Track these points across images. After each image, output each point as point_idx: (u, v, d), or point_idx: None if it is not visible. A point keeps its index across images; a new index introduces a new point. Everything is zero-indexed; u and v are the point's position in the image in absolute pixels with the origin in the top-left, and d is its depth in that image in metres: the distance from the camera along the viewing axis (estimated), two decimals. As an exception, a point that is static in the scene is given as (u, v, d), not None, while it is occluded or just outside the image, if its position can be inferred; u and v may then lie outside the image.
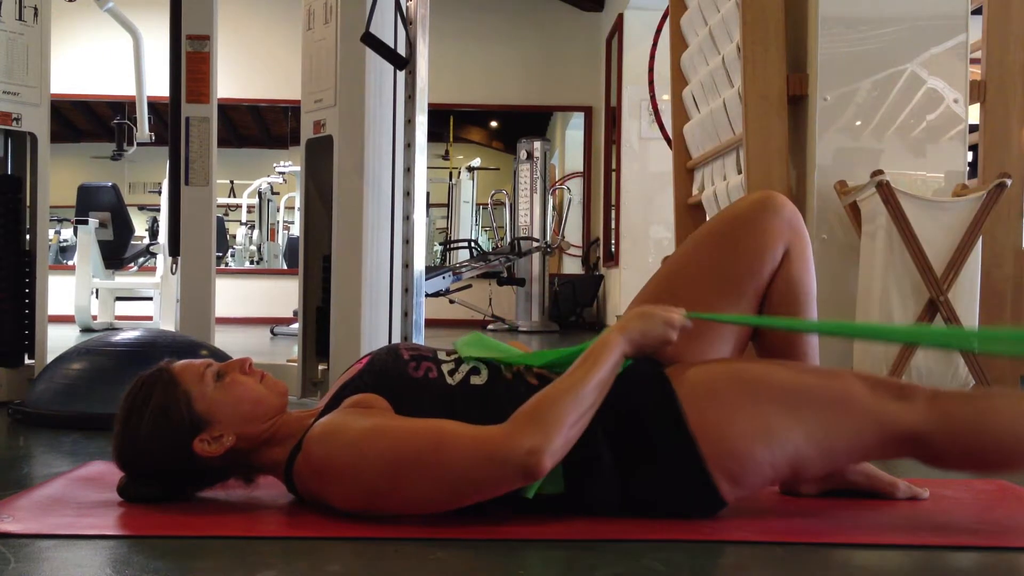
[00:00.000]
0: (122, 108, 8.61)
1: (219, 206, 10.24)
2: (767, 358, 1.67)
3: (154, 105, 6.27)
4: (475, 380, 1.54)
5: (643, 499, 1.49)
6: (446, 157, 12.84)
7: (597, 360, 1.45)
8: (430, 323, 3.30)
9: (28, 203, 3.07)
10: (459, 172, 11.55)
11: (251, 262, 11.67)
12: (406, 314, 2.94)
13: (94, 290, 7.17)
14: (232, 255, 11.72)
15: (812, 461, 1.48)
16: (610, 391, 1.47)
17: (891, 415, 1.46)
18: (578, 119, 10.09)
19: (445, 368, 1.56)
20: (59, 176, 5.27)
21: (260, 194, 11.93)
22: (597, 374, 1.43)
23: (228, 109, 11.75)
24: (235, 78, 8.82)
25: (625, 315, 1.54)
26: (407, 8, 2.95)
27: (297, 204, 8.78)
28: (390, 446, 1.41)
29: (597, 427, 1.46)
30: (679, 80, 4.34)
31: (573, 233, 10.32)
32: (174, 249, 3.40)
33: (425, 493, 1.41)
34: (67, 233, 12.20)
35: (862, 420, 1.47)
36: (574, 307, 9.10)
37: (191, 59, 3.34)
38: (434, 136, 11.38)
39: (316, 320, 3.08)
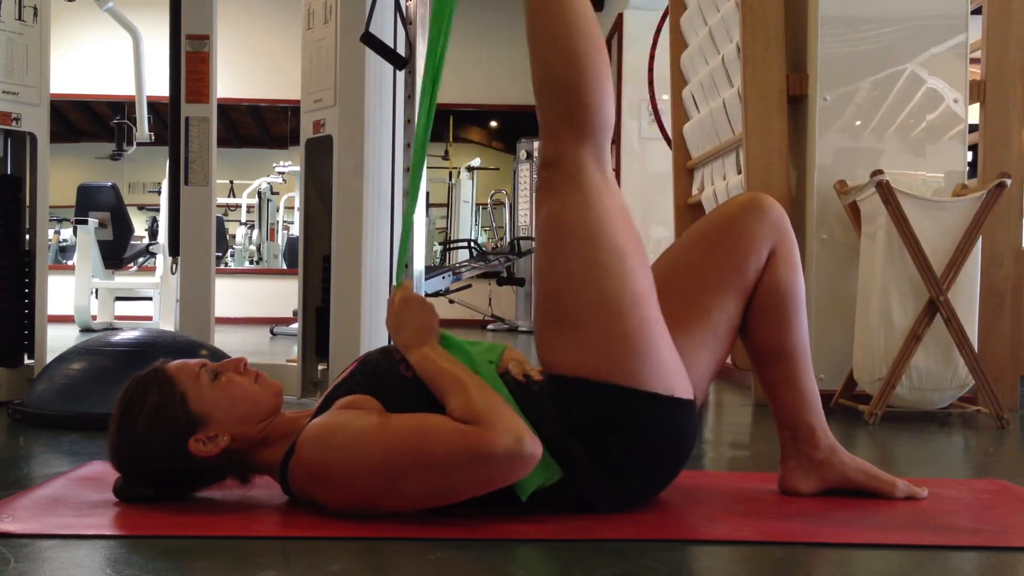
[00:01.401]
0: (122, 108, 8.61)
1: (219, 206, 10.25)
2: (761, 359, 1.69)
3: (154, 105, 6.27)
4: None
5: (628, 461, 1.50)
6: (446, 157, 12.84)
7: (437, 371, 1.50)
8: (430, 323, 3.30)
9: (28, 203, 3.07)
10: (459, 172, 11.55)
11: (251, 262, 11.67)
12: (406, 314, 2.94)
13: (94, 290, 7.17)
14: (232, 255, 11.72)
15: (638, 287, 1.51)
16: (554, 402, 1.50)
17: (574, 178, 1.53)
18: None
19: None
20: (59, 176, 5.27)
21: (260, 194, 11.93)
22: (454, 373, 1.49)
23: (228, 109, 11.75)
24: (235, 78, 8.81)
25: (393, 338, 1.60)
26: (407, 8, 2.95)
27: (297, 204, 8.79)
28: (382, 448, 1.42)
29: (558, 429, 1.48)
30: (679, 80, 4.34)
31: (573, 233, 10.30)
32: (174, 249, 3.40)
33: (421, 490, 1.42)
34: (67, 233, 12.20)
35: (592, 204, 1.52)
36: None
37: (191, 59, 3.34)
38: (434, 136, 11.33)
39: (316, 320, 3.08)
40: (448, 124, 12.70)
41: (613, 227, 1.51)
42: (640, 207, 7.99)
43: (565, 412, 1.49)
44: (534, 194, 1.74)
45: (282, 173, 11.23)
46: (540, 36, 1.54)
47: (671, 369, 1.51)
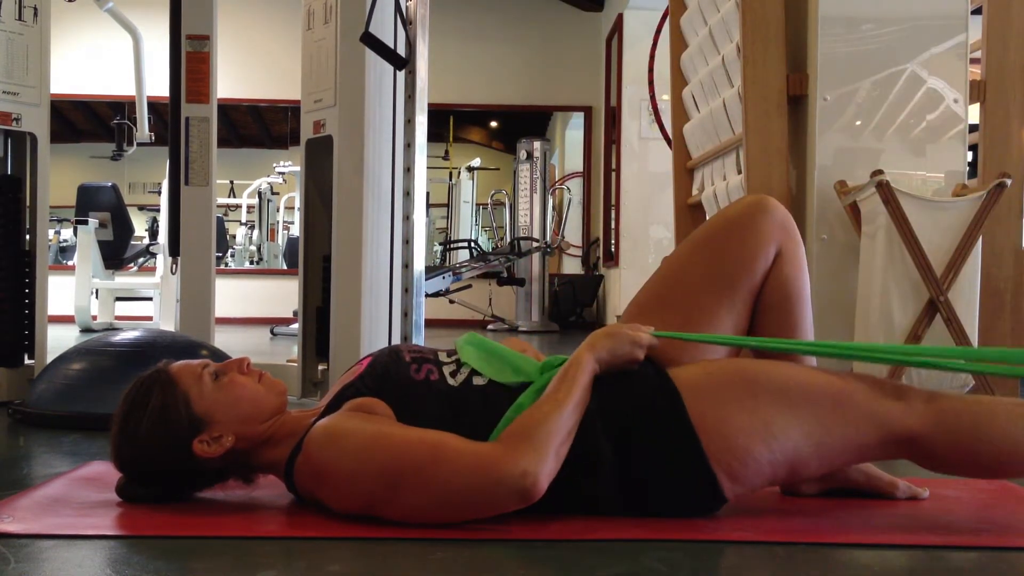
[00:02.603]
0: (122, 108, 8.60)
1: (219, 206, 10.25)
2: (764, 359, 1.68)
3: (154, 105, 6.27)
4: (477, 381, 1.55)
5: (644, 496, 1.50)
6: (446, 157, 12.84)
7: (573, 381, 1.48)
8: (430, 323, 3.30)
9: (28, 203, 3.07)
10: (459, 172, 11.55)
11: (251, 262, 11.67)
12: (406, 314, 2.94)
13: (94, 290, 7.17)
14: (232, 255, 11.72)
15: (810, 460, 1.49)
16: (613, 390, 1.50)
17: (889, 416, 1.47)
18: (578, 119, 10.09)
19: (446, 370, 1.57)
20: (59, 176, 5.26)
21: (260, 194, 11.93)
22: (575, 394, 1.46)
23: (228, 109, 11.76)
24: (235, 78, 8.82)
25: (594, 333, 1.57)
26: (407, 8, 2.95)
27: (297, 204, 8.79)
28: (390, 457, 1.41)
29: (598, 424, 1.47)
30: (679, 80, 4.34)
31: (573, 233, 10.32)
32: (174, 249, 3.40)
33: (421, 506, 1.41)
34: (67, 233, 12.21)
35: (860, 420, 1.48)
36: (574, 307, 9.10)
37: (191, 59, 3.34)
38: (434, 136, 11.37)
39: (316, 320, 3.08)
40: (448, 124, 12.71)
41: (852, 433, 1.49)
42: (640, 207, 8.00)
43: (626, 415, 1.49)
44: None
45: (282, 173, 11.24)
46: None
47: (746, 469, 1.49)
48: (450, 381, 1.54)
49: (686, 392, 1.50)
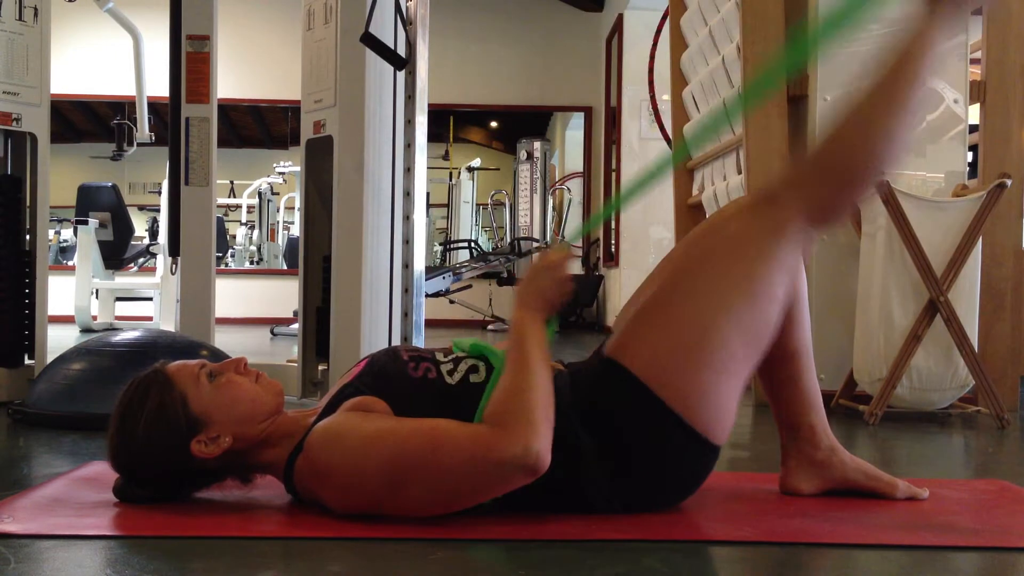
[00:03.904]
0: (122, 108, 8.60)
1: (219, 206, 10.25)
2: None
3: (154, 105, 6.27)
4: (474, 379, 1.55)
5: (629, 466, 1.50)
6: (446, 157, 12.84)
7: (525, 342, 1.48)
8: (430, 323, 3.30)
9: (28, 203, 3.07)
10: (459, 172, 11.55)
11: (251, 262, 11.67)
12: (406, 314, 2.94)
13: (94, 290, 7.17)
14: (232, 255, 11.72)
15: (746, 345, 1.51)
16: (576, 387, 1.53)
17: (776, 233, 1.53)
18: (578, 119, 10.09)
19: (444, 368, 1.57)
20: (59, 176, 5.27)
21: (260, 194, 11.93)
22: (533, 354, 1.47)
23: (228, 109, 11.76)
24: (235, 78, 8.81)
25: (516, 290, 1.57)
26: (407, 8, 2.95)
27: (297, 204, 8.79)
28: (391, 453, 1.41)
29: (572, 417, 1.48)
30: (679, 80, 4.34)
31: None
32: (174, 249, 3.40)
33: (425, 497, 1.42)
34: (67, 233, 12.21)
35: (764, 267, 1.52)
36: (574, 307, 9.10)
37: (191, 59, 3.34)
38: (434, 136, 11.38)
39: (316, 320, 3.08)
40: (448, 124, 12.71)
41: (767, 288, 1.53)
42: (640, 207, 7.99)
43: (595, 404, 1.51)
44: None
45: (282, 173, 11.24)
46: (866, 123, 1.53)
47: (722, 417, 1.52)
48: (447, 379, 1.55)
49: (620, 357, 1.52)
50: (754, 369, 1.58)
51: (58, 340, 3.75)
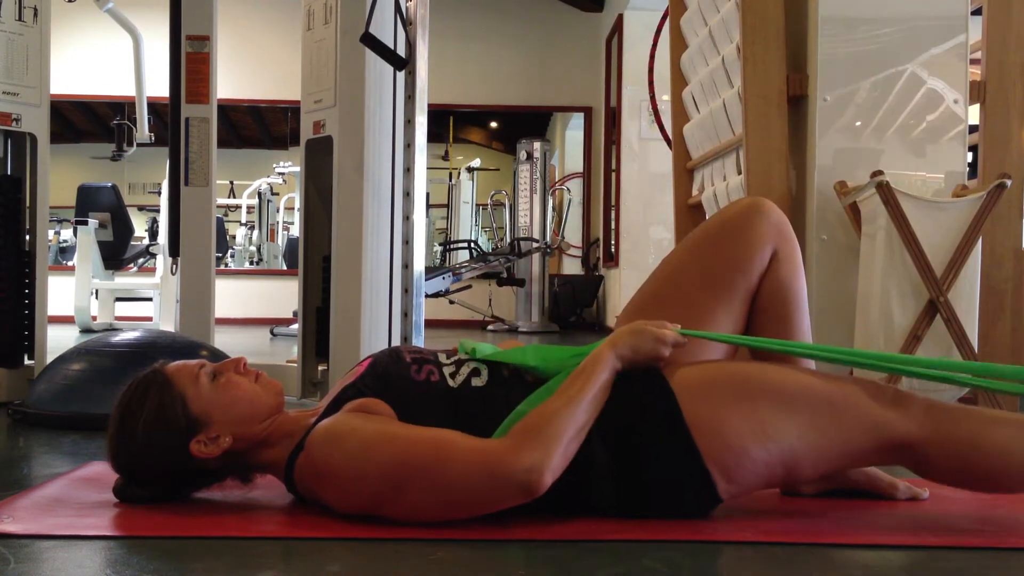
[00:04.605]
0: (122, 108, 8.60)
1: (219, 206, 10.26)
2: (762, 360, 1.68)
3: (154, 105, 6.27)
4: (476, 382, 1.55)
5: (639, 497, 1.50)
6: (446, 157, 12.85)
7: (591, 377, 1.47)
8: (430, 324, 3.30)
9: (28, 203, 3.07)
10: (459, 172, 11.55)
11: (251, 262, 11.67)
12: (406, 314, 2.94)
13: (94, 291, 7.17)
14: (232, 255, 11.72)
15: (805, 462, 1.48)
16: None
17: (887, 422, 1.47)
18: (578, 119, 10.09)
19: (446, 371, 1.57)
20: (59, 176, 5.27)
21: (260, 194, 11.93)
22: (591, 390, 1.46)
23: (228, 109, 11.76)
24: (235, 78, 8.82)
25: (618, 330, 1.56)
26: (407, 8, 2.95)
27: (297, 204, 8.79)
28: (393, 457, 1.41)
29: (592, 427, 1.47)
30: (679, 80, 4.34)
31: (573, 233, 10.32)
32: (174, 249, 3.40)
33: (425, 504, 1.42)
34: (67, 233, 12.20)
35: (857, 425, 1.48)
36: (574, 307, 9.10)
37: (191, 59, 3.34)
38: (434, 136, 11.39)
39: (316, 320, 3.08)
40: (448, 124, 12.71)
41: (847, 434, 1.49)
42: (640, 207, 8.00)
43: (623, 422, 1.49)
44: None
45: (282, 174, 11.24)
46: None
47: (743, 481, 1.49)
48: (450, 382, 1.55)
49: (680, 391, 1.50)
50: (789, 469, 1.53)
51: (58, 340, 3.75)
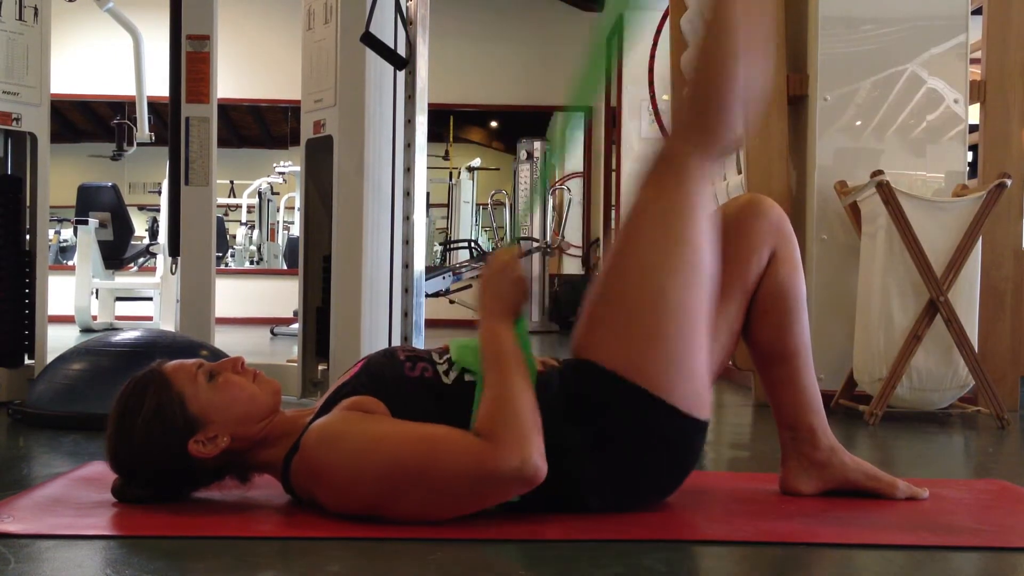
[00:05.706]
0: (122, 108, 8.61)
1: (219, 206, 10.24)
2: (754, 347, 1.70)
3: (154, 105, 6.27)
4: (468, 378, 1.55)
5: (617, 452, 1.50)
6: (446, 157, 12.84)
7: (495, 351, 1.49)
8: (430, 323, 3.30)
9: (28, 203, 3.07)
10: (459, 172, 11.55)
11: (251, 262, 11.67)
12: (406, 314, 2.94)
13: (94, 290, 7.17)
14: (232, 255, 11.72)
15: (696, 292, 1.52)
16: (555, 388, 1.52)
17: (677, 177, 1.52)
18: (578, 119, 10.08)
19: (440, 368, 1.57)
20: (59, 176, 5.27)
21: (260, 194, 11.93)
22: (507, 360, 1.48)
23: (228, 109, 11.77)
24: (235, 78, 8.82)
25: (478, 300, 1.58)
26: (407, 8, 2.95)
27: (297, 204, 8.78)
28: (389, 460, 1.42)
29: (556, 410, 1.48)
30: (679, 80, 4.34)
31: (573, 233, 10.31)
32: (174, 249, 3.40)
33: (422, 504, 1.42)
34: (67, 233, 12.21)
35: (686, 204, 1.52)
36: (574, 307, 9.07)
37: (191, 59, 3.34)
38: (434, 136, 11.37)
39: (316, 320, 3.08)
40: (448, 124, 12.71)
41: (697, 240, 1.52)
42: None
43: (574, 397, 1.51)
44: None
45: (282, 173, 11.24)
46: (713, 48, 1.62)
47: (699, 388, 1.52)
48: (443, 379, 1.55)
49: (584, 352, 1.54)
50: (713, 313, 1.57)
51: (58, 340, 3.75)
